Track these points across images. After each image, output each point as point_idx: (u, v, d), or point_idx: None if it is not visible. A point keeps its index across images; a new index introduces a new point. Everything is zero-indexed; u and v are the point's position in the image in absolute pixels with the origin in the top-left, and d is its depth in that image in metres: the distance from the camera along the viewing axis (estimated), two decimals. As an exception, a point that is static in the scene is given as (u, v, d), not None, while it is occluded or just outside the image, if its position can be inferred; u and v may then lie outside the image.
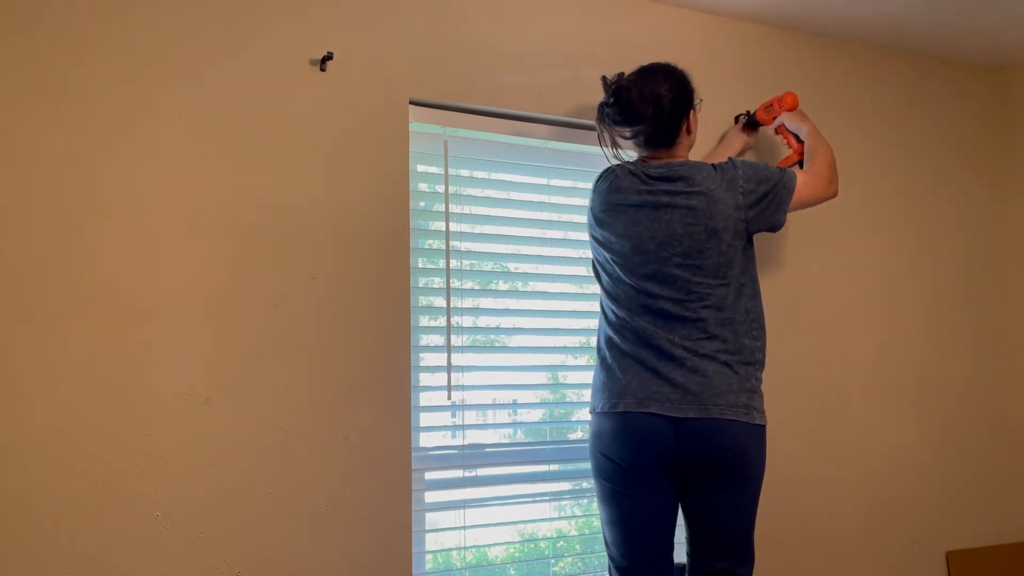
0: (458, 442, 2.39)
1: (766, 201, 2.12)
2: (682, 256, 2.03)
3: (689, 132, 2.17)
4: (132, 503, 1.94)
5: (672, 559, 2.10)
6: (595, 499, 2.17)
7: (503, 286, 2.58)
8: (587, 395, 2.60)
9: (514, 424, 2.61)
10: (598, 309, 2.20)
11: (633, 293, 2.06)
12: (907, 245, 3.11)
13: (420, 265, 2.37)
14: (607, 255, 2.12)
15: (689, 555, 2.10)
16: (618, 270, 2.09)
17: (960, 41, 3.08)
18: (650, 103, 2.08)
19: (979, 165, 3.30)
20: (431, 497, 2.34)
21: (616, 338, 2.07)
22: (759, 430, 2.02)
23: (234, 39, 2.13)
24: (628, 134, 2.15)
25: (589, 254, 2.67)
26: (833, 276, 2.95)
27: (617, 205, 2.11)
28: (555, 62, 2.52)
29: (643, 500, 2.02)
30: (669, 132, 2.13)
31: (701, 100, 2.24)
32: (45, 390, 1.88)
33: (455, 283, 2.40)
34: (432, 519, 2.35)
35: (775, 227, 2.18)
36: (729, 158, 2.19)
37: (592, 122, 2.55)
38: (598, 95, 2.57)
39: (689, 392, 1.98)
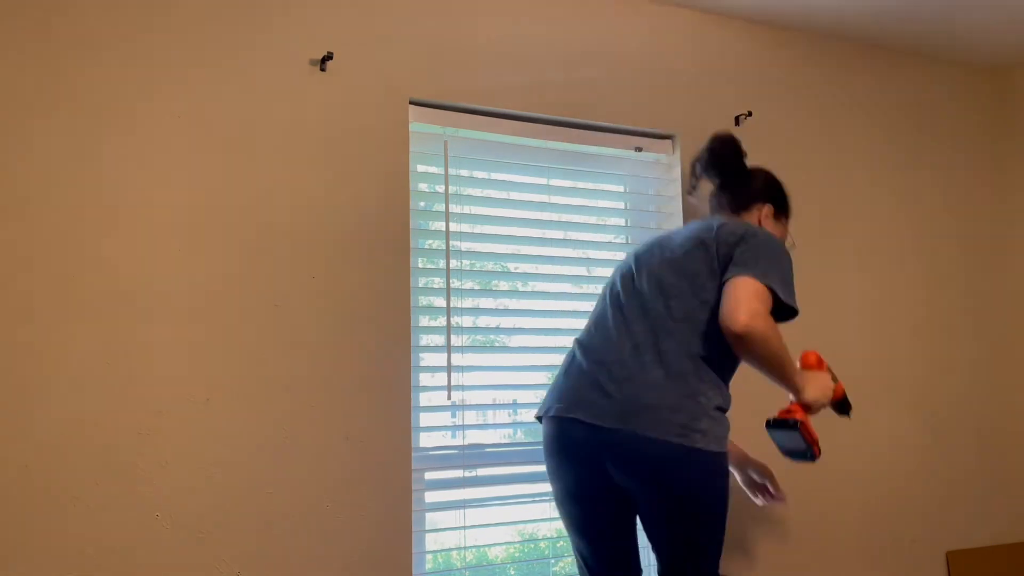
0: (458, 442, 2.39)
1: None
2: None
3: None
4: (132, 503, 1.94)
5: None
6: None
7: (503, 286, 2.58)
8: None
9: (514, 424, 2.61)
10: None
11: None
12: (906, 245, 3.11)
13: (420, 265, 2.37)
14: None
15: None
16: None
17: (960, 41, 3.08)
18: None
19: (979, 165, 3.30)
20: (431, 497, 2.34)
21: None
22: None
23: (234, 39, 2.13)
24: None
25: (588, 254, 2.67)
26: (832, 276, 2.95)
27: None
28: (555, 62, 2.52)
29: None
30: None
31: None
32: (45, 390, 1.88)
33: (455, 283, 2.40)
34: (432, 519, 2.35)
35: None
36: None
37: (591, 121, 2.57)
38: (598, 95, 2.57)
39: None
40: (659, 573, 2.04)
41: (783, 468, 2.77)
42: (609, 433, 1.94)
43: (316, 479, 2.12)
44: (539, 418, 2.13)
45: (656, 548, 2.04)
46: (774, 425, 2.10)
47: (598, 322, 2.11)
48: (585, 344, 2.09)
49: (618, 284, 2.12)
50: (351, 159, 2.22)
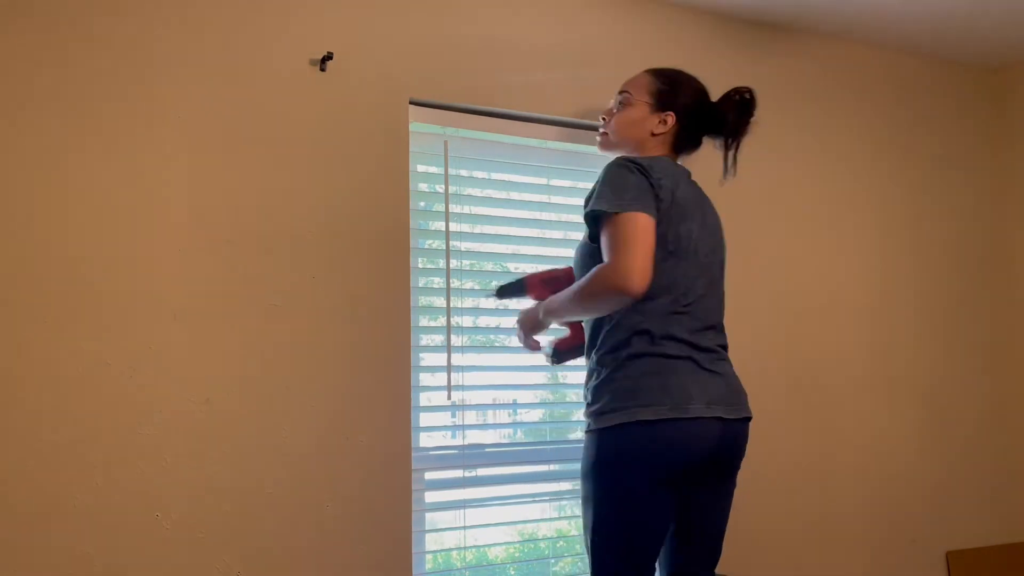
0: (458, 442, 2.39)
1: None
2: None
3: None
4: (132, 503, 1.94)
5: None
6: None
7: (503, 286, 2.58)
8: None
9: (514, 424, 2.61)
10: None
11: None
12: (906, 244, 3.11)
13: (420, 265, 2.37)
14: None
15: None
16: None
17: (960, 41, 3.08)
18: None
19: (978, 165, 3.30)
20: (431, 497, 2.34)
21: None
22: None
23: (234, 39, 2.13)
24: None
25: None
26: (832, 275, 2.95)
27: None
28: (555, 62, 2.52)
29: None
30: None
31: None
32: (45, 390, 1.88)
33: (455, 283, 2.40)
34: (432, 519, 2.35)
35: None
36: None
37: (591, 122, 2.56)
38: (598, 95, 2.57)
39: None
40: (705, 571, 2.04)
41: (783, 470, 2.77)
42: (743, 424, 1.96)
43: (316, 479, 2.12)
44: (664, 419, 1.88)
45: (713, 545, 2.03)
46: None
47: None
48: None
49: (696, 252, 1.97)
50: (351, 159, 2.22)
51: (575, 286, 1.92)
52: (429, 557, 2.33)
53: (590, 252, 1.95)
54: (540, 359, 2.53)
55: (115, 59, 2.00)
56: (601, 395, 1.90)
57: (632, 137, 2.09)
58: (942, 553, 3.06)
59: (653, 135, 2.06)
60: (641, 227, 1.83)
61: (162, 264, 2.01)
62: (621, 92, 2.14)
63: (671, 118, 2.05)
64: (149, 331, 1.98)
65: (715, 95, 2.83)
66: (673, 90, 2.08)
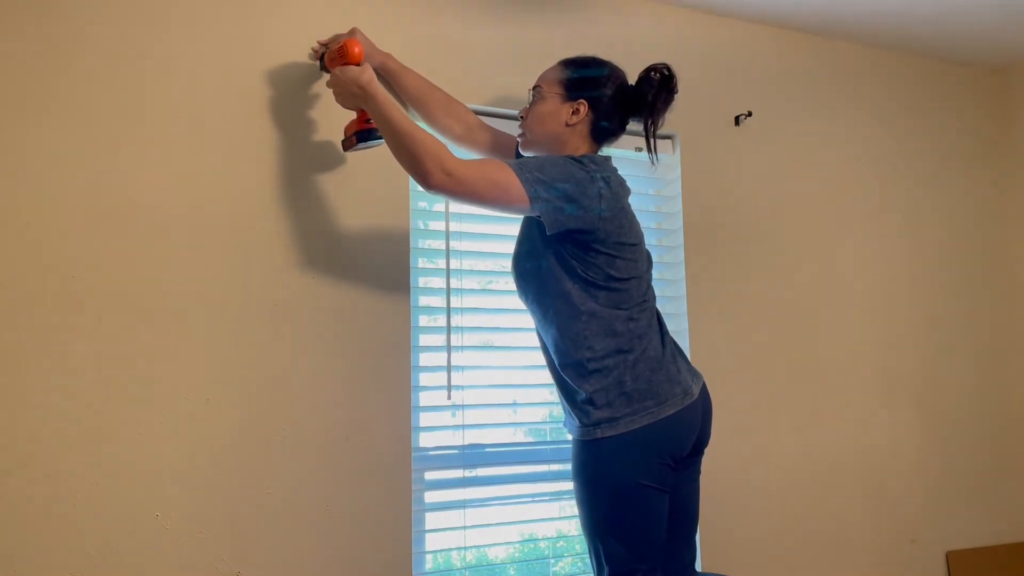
0: (458, 442, 2.39)
1: None
2: None
3: None
4: (132, 503, 1.94)
5: None
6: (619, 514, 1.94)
7: (503, 286, 2.58)
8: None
9: (514, 424, 2.61)
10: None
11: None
12: (907, 244, 3.11)
13: (420, 265, 2.37)
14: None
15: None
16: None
17: (960, 41, 3.08)
18: None
19: (979, 165, 3.30)
20: (431, 497, 2.33)
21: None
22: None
23: (234, 38, 2.13)
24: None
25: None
26: (833, 276, 2.95)
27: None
28: (555, 62, 2.51)
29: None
30: None
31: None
32: (45, 390, 1.88)
33: (455, 283, 2.40)
34: (432, 519, 2.35)
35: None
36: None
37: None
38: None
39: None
40: (690, 563, 2.07)
41: (784, 470, 2.77)
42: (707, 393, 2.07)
43: (316, 479, 2.12)
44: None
45: (695, 517, 2.09)
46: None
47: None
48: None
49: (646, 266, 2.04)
50: (350, 159, 2.22)
51: (407, 120, 1.85)
52: (429, 557, 2.33)
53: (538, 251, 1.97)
54: (541, 359, 2.54)
55: (115, 58, 2.00)
56: (608, 401, 1.90)
57: (548, 131, 2.04)
58: (942, 553, 3.07)
59: (568, 126, 2.02)
60: (504, 186, 1.83)
61: (162, 263, 2.01)
62: (534, 87, 2.08)
63: (583, 106, 2.00)
64: (149, 331, 1.98)
65: (713, 96, 2.85)
66: (582, 76, 2.02)
